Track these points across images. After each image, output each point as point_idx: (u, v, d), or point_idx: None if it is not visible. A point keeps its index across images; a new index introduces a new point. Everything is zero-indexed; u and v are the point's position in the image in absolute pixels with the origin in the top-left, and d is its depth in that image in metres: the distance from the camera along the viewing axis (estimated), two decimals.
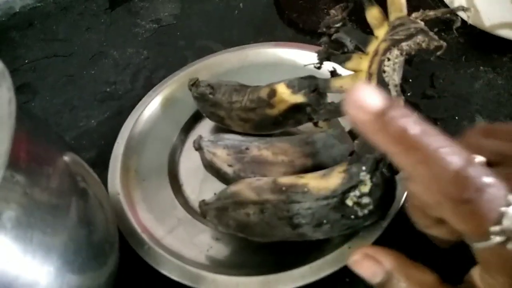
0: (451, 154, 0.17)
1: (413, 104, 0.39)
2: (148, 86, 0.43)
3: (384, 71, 0.28)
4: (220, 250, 0.31)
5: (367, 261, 0.23)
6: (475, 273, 0.22)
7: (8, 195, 0.19)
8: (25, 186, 0.20)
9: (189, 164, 0.37)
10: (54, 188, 0.22)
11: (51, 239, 0.20)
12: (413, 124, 0.18)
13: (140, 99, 0.41)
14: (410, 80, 0.41)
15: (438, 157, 0.17)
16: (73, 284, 0.22)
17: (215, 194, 0.31)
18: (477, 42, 0.44)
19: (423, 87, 0.41)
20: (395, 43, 0.29)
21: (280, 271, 0.29)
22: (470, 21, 0.43)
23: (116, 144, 0.37)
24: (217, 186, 0.34)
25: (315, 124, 0.34)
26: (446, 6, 0.47)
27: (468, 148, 0.18)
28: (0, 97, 0.20)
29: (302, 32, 0.50)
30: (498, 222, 0.17)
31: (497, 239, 0.17)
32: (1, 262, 0.18)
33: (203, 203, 0.30)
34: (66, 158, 0.24)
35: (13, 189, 0.19)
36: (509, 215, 0.17)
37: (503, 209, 0.17)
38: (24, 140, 0.20)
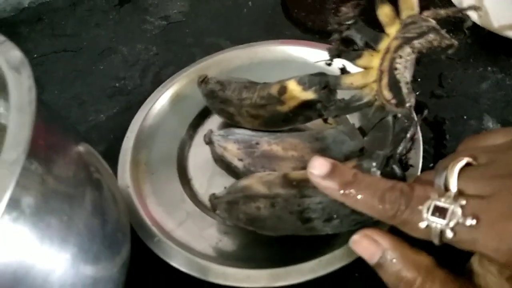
0: (374, 185, 0.24)
1: (422, 103, 0.39)
2: (157, 82, 0.44)
3: (396, 68, 0.29)
4: (229, 244, 0.32)
5: (366, 240, 0.25)
6: (475, 261, 0.23)
7: (27, 182, 0.19)
8: (43, 174, 0.20)
9: (198, 159, 0.37)
10: (70, 177, 0.22)
11: (68, 227, 0.21)
12: (348, 173, 0.25)
13: (149, 95, 0.41)
14: (419, 80, 0.41)
15: (366, 190, 0.24)
16: (88, 273, 0.22)
17: (225, 188, 0.31)
18: (486, 43, 0.44)
19: (432, 87, 0.41)
20: (407, 41, 0.29)
21: (288, 264, 0.29)
22: (479, 22, 0.43)
23: (125, 138, 0.37)
24: (226, 181, 0.34)
25: (325, 121, 0.34)
26: (454, 6, 0.47)
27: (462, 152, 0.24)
28: (20, 84, 0.20)
29: (310, 31, 0.50)
30: (421, 219, 0.22)
31: (435, 233, 0.21)
32: (19, 249, 0.18)
33: (213, 197, 0.30)
34: (80, 148, 0.24)
35: (32, 176, 0.19)
36: (424, 211, 0.22)
37: (419, 207, 0.22)
38: (42, 129, 0.21)
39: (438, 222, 0.21)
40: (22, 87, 0.20)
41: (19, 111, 0.19)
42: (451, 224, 0.21)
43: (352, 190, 0.24)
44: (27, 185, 0.19)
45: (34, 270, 0.19)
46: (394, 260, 0.23)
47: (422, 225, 0.22)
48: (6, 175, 0.17)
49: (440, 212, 0.21)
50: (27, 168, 0.19)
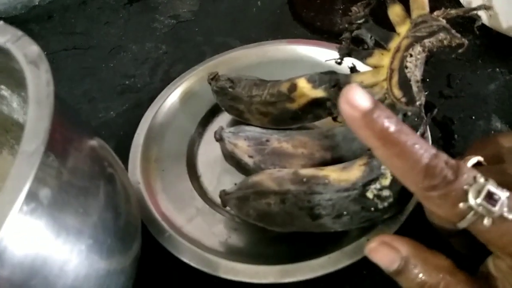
0: (422, 149, 0.21)
1: (430, 103, 0.39)
2: (167, 79, 0.44)
3: (406, 67, 0.29)
4: (238, 240, 0.32)
5: (384, 248, 0.24)
6: (490, 262, 0.23)
7: (45, 174, 0.19)
8: (59, 166, 0.20)
9: (207, 156, 0.38)
10: (85, 170, 0.22)
11: (83, 219, 0.21)
12: (393, 123, 0.21)
13: (158, 92, 0.42)
14: (427, 80, 0.41)
15: (411, 151, 0.20)
16: (101, 265, 0.22)
17: (235, 184, 0.31)
18: (494, 44, 0.44)
19: (440, 87, 0.41)
20: (418, 40, 0.29)
21: (297, 261, 0.29)
22: (488, 23, 0.43)
23: (136, 135, 0.38)
24: (235, 178, 0.34)
25: (334, 119, 0.35)
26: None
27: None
28: (39, 78, 0.20)
29: (318, 31, 0.50)
30: (465, 200, 0.20)
31: (469, 217, 0.20)
32: (37, 239, 0.19)
33: (223, 193, 0.31)
34: (94, 142, 0.25)
35: (49, 168, 0.19)
36: (472, 192, 0.20)
37: (465, 187, 0.20)
38: (58, 122, 0.21)
39: (485, 207, 0.20)
40: (40, 81, 0.20)
41: (37, 104, 0.19)
42: (498, 213, 0.20)
43: (393, 146, 0.20)
44: (45, 177, 0.19)
45: (51, 260, 0.19)
46: (415, 267, 0.23)
47: (463, 206, 0.20)
48: (25, 165, 0.17)
49: (489, 197, 0.20)
50: (45, 160, 0.19)
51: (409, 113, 0.29)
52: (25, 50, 0.22)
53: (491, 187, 0.20)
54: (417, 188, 0.21)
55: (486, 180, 0.20)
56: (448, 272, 0.22)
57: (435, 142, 0.36)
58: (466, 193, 0.20)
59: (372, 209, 0.27)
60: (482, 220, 0.20)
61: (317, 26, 0.51)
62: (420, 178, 0.20)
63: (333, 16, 0.52)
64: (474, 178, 0.21)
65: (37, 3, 0.59)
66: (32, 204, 0.18)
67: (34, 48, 0.22)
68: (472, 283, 0.22)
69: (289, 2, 0.54)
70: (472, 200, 0.20)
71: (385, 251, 0.23)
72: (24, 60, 0.21)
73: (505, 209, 0.20)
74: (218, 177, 0.36)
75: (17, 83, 0.28)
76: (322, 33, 0.49)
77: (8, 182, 0.17)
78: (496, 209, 0.20)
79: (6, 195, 0.17)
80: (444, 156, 0.21)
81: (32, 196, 0.18)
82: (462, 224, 0.21)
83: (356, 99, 0.20)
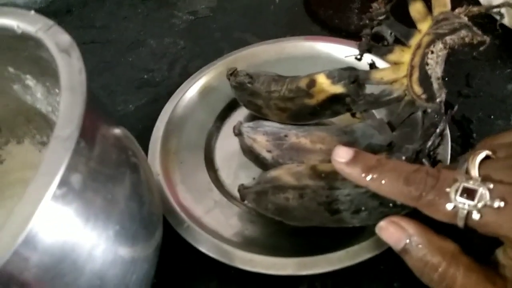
0: (402, 166, 0.25)
1: (449, 102, 0.39)
2: (185, 74, 0.44)
3: (427, 64, 0.29)
4: (255, 232, 0.32)
5: (392, 226, 0.25)
6: (499, 251, 0.23)
7: (76, 160, 0.19)
8: (89, 153, 0.21)
9: (225, 150, 0.38)
10: (112, 158, 0.23)
11: (111, 205, 0.21)
12: (372, 158, 0.26)
13: (176, 87, 0.42)
14: (446, 79, 0.41)
15: (393, 169, 0.25)
16: (127, 252, 0.23)
17: (253, 179, 0.32)
18: None
19: (459, 86, 0.41)
20: (439, 37, 0.29)
21: (314, 254, 0.29)
22: (508, 23, 0.43)
23: (155, 128, 0.38)
24: (252, 172, 0.35)
25: (353, 115, 0.35)
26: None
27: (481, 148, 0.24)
28: (71, 66, 0.21)
29: (336, 29, 0.50)
30: (449, 200, 0.22)
31: (460, 215, 0.22)
32: (67, 224, 0.19)
33: (242, 187, 0.31)
34: (120, 131, 0.25)
35: (80, 154, 0.20)
36: (452, 192, 0.22)
37: (447, 189, 0.22)
38: (89, 109, 0.21)
39: (466, 203, 0.22)
40: (72, 69, 0.21)
41: (71, 91, 0.20)
42: (479, 205, 0.21)
43: (376, 175, 0.25)
44: (76, 163, 0.20)
45: (80, 244, 0.20)
46: (420, 246, 0.24)
47: (449, 206, 0.22)
48: (60, 150, 0.18)
49: (468, 193, 0.22)
50: (77, 146, 0.20)
51: (429, 110, 0.29)
52: (56, 39, 0.23)
53: (465, 183, 0.22)
54: (409, 199, 0.24)
55: (474, 177, 0.22)
56: (451, 255, 0.23)
57: (453, 141, 0.36)
58: (448, 194, 0.22)
59: (391, 204, 0.27)
60: (471, 215, 0.22)
61: (334, 24, 0.51)
62: (405, 189, 0.24)
63: (350, 14, 0.52)
64: (455, 180, 0.23)
65: None
66: (64, 189, 0.19)
67: (65, 37, 0.22)
68: (476, 268, 0.23)
69: (306, 1, 0.54)
70: (453, 200, 0.22)
71: (393, 230, 0.25)
72: (55, 48, 0.22)
73: (487, 199, 0.21)
74: (235, 171, 0.37)
75: (43, 72, 0.29)
76: (339, 31, 0.50)
77: (42, 167, 0.18)
78: (475, 202, 0.21)
79: (40, 179, 0.18)
80: (425, 168, 0.24)
81: (64, 181, 0.18)
82: (460, 223, 0.22)
83: (339, 154, 0.26)
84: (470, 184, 0.22)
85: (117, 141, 0.24)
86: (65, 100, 0.19)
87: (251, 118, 0.39)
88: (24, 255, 0.17)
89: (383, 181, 0.24)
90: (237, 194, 0.32)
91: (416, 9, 0.32)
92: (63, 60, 0.21)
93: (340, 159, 0.26)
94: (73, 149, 0.18)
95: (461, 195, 0.22)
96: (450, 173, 0.23)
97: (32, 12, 0.24)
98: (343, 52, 0.40)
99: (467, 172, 0.23)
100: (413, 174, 0.24)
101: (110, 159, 0.23)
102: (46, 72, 0.28)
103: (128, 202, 0.23)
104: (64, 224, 0.19)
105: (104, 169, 0.22)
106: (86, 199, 0.20)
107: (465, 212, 0.22)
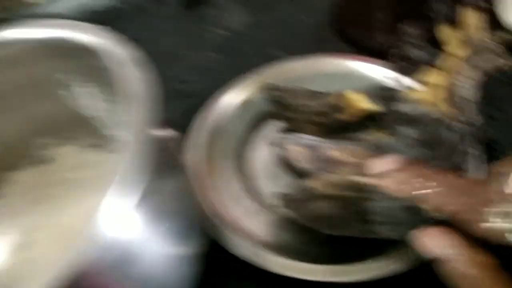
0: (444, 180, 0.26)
1: (481, 125, 0.40)
2: (218, 87, 0.46)
3: (463, 88, 0.30)
4: (288, 239, 0.34)
5: (431, 235, 0.26)
6: None
7: (145, 165, 0.21)
8: (149, 154, 0.22)
9: (257, 160, 0.40)
10: (165, 161, 0.24)
11: (164, 206, 0.23)
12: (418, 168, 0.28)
13: (210, 99, 0.44)
14: (480, 102, 0.42)
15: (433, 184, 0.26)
16: (174, 250, 0.24)
17: (289, 188, 0.33)
18: None
19: (490, 109, 0.42)
20: (473, 61, 0.30)
21: (345, 263, 0.30)
22: None
23: (190, 136, 0.40)
24: (286, 182, 0.36)
25: (384, 133, 0.36)
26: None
27: None
28: (132, 74, 0.22)
29: (364, 48, 0.51)
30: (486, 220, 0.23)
31: (495, 234, 0.23)
32: (129, 222, 0.21)
33: (283, 195, 0.32)
34: (170, 136, 0.27)
35: (146, 160, 0.21)
36: (491, 212, 0.23)
37: (485, 209, 0.23)
38: (151, 116, 0.23)
39: (504, 224, 0.23)
40: (134, 76, 0.22)
41: (134, 100, 0.21)
42: None
43: (418, 184, 0.26)
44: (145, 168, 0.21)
45: (140, 236, 0.21)
46: (461, 257, 0.24)
47: (485, 225, 0.23)
48: (131, 156, 0.19)
49: (505, 215, 0.23)
50: (143, 152, 0.21)
51: (462, 132, 0.30)
52: (116, 48, 0.24)
53: (505, 208, 0.23)
54: (445, 215, 0.25)
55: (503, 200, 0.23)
56: (490, 269, 0.24)
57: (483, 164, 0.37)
58: (485, 213, 0.24)
59: (425, 218, 0.28)
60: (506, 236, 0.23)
61: (360, 42, 0.52)
62: (445, 206, 0.25)
63: (376, 33, 0.53)
64: (491, 199, 0.24)
65: (92, 9, 0.62)
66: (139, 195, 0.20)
67: (125, 46, 0.24)
68: None
69: (334, 19, 0.56)
70: (490, 220, 0.23)
71: (431, 238, 0.26)
72: (116, 57, 0.23)
73: None
74: (267, 180, 0.38)
75: (93, 79, 0.31)
76: (365, 49, 0.51)
77: (118, 174, 0.19)
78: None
79: (116, 186, 0.19)
80: (463, 183, 0.26)
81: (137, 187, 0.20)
82: (492, 240, 0.23)
83: (384, 164, 0.29)
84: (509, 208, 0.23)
85: (169, 144, 0.26)
86: (131, 107, 0.21)
87: (285, 131, 0.41)
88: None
89: (425, 191, 0.26)
90: (269, 202, 0.33)
91: (447, 33, 0.33)
92: (123, 68, 0.23)
93: (385, 168, 0.28)
94: (142, 155, 0.19)
95: (498, 216, 0.23)
96: (487, 191, 0.24)
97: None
98: (374, 70, 0.42)
99: (506, 186, 0.24)
100: (454, 188, 0.25)
101: (164, 162, 0.24)
102: (97, 79, 0.30)
103: (177, 204, 0.25)
104: (123, 220, 0.21)
105: (159, 171, 0.23)
106: (144, 199, 0.21)
107: (500, 232, 0.23)
